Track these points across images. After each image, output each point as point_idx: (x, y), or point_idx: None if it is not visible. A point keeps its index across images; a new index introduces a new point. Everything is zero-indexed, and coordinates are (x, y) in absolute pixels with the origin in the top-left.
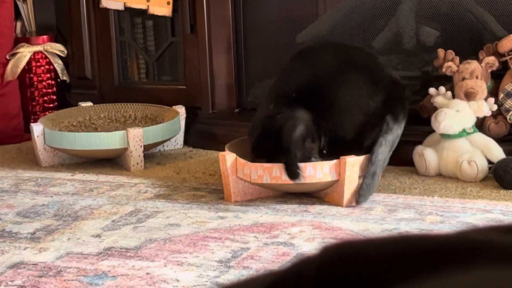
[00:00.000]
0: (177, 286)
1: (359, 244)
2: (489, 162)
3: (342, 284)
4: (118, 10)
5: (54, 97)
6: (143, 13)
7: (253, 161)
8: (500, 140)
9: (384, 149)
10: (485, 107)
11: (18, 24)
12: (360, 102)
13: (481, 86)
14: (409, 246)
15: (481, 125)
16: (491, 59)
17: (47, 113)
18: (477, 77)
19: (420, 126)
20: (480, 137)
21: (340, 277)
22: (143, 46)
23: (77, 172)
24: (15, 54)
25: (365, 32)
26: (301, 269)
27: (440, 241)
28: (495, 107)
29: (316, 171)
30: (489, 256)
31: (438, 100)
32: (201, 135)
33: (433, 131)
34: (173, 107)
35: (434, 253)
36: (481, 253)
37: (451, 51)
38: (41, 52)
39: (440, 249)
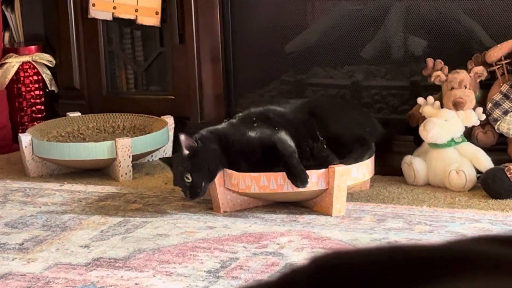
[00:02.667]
0: None
1: (348, 255)
2: (478, 171)
3: None
4: (106, 20)
5: (43, 107)
6: (131, 23)
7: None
8: (488, 150)
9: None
10: (474, 117)
11: (6, 34)
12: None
13: (470, 96)
14: (398, 256)
15: (469, 134)
16: (480, 69)
17: (35, 123)
18: (465, 87)
19: (409, 136)
20: (468, 146)
21: (329, 286)
22: (132, 56)
23: (65, 182)
24: (3, 64)
25: (354, 41)
26: (290, 279)
27: (430, 251)
28: (483, 117)
29: None
30: (479, 266)
31: (427, 109)
32: None
33: (421, 140)
34: (162, 117)
35: (424, 263)
36: (470, 263)
37: (440, 60)
38: (29, 62)
39: (430, 259)
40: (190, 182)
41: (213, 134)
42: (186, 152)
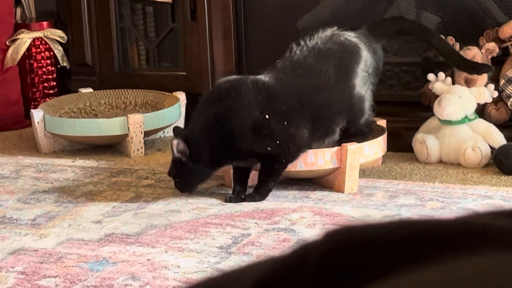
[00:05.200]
0: (178, 272)
1: (361, 229)
2: (490, 148)
3: (345, 269)
4: None
5: (54, 83)
6: None
7: None
8: (501, 126)
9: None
10: (487, 93)
11: (18, 10)
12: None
13: None
14: (411, 231)
15: (482, 111)
16: (491, 45)
17: (47, 99)
18: None
19: (420, 113)
20: (481, 123)
21: (342, 262)
22: (143, 32)
23: (77, 158)
24: (15, 40)
25: (366, 17)
26: (302, 254)
27: (442, 225)
28: (495, 94)
29: (318, 158)
30: (492, 241)
31: (437, 86)
32: None
33: (429, 117)
34: (174, 93)
35: (436, 238)
36: (484, 238)
37: (451, 37)
38: (41, 38)
39: (442, 233)
40: (177, 183)
41: (207, 137)
42: (176, 155)
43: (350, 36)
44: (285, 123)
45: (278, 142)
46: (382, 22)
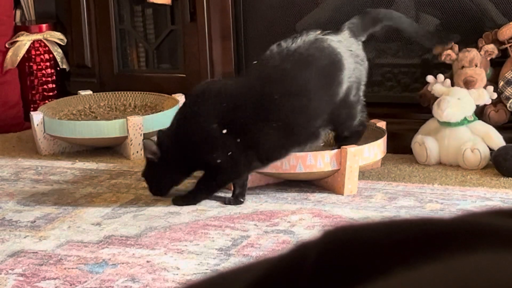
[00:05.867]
0: (177, 274)
1: (358, 229)
2: (489, 149)
3: (342, 269)
4: None
5: (54, 85)
6: (142, 1)
7: None
8: (500, 128)
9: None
10: (486, 95)
11: (18, 12)
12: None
13: (480, 74)
14: (409, 230)
15: (481, 113)
16: (490, 47)
17: (46, 101)
18: (476, 65)
19: (419, 115)
20: (480, 125)
21: (339, 262)
22: (143, 34)
23: (77, 160)
24: (14, 42)
25: None
26: (301, 253)
27: (439, 225)
28: (495, 95)
29: (317, 161)
30: (490, 240)
31: (437, 87)
32: None
33: (428, 119)
34: (173, 95)
35: (435, 237)
36: (482, 237)
37: None
38: (40, 40)
39: (439, 232)
40: (149, 185)
41: (175, 141)
42: (147, 156)
43: (333, 41)
44: (239, 140)
45: (230, 156)
46: (359, 19)
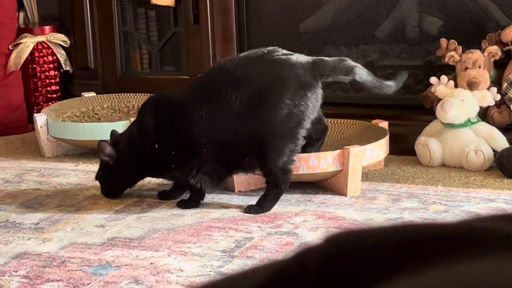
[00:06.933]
0: (181, 276)
1: (362, 233)
2: (493, 151)
3: (346, 273)
4: (121, 0)
5: (57, 87)
6: (146, 3)
7: None
8: (503, 129)
9: None
10: (489, 97)
11: (21, 14)
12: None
13: (484, 76)
14: (413, 235)
15: (484, 114)
16: (494, 48)
17: (50, 103)
18: (479, 67)
19: (422, 116)
20: (484, 126)
21: (343, 266)
22: (146, 36)
23: (80, 162)
24: (18, 44)
25: (368, 21)
26: (304, 258)
27: (443, 229)
28: (498, 97)
29: (320, 162)
30: (495, 245)
31: (440, 89)
32: None
33: (432, 121)
34: None
35: (438, 242)
36: (486, 242)
37: (453, 40)
38: (44, 42)
39: (444, 237)
40: (102, 187)
41: (132, 146)
42: (103, 158)
43: (286, 64)
44: (173, 152)
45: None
46: (332, 62)
